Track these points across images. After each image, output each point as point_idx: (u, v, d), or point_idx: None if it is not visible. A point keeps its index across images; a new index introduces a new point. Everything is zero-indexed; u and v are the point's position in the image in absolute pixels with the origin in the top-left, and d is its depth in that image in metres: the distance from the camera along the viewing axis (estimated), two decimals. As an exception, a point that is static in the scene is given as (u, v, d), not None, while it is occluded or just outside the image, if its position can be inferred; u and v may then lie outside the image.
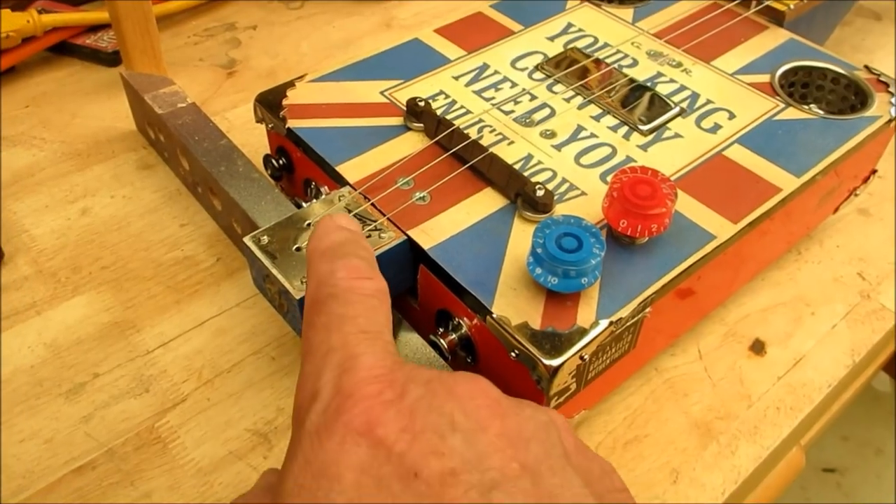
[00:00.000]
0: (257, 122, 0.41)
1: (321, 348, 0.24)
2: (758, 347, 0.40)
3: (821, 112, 0.42)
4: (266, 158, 0.41)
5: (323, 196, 0.38)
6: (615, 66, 0.42)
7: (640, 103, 0.40)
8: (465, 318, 0.32)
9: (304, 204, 0.38)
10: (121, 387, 0.36)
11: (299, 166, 0.40)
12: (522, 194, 0.34)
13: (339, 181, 0.36)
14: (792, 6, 0.45)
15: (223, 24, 0.60)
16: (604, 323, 0.30)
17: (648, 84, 0.41)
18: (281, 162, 0.40)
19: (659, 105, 0.40)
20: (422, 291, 0.34)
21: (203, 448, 0.34)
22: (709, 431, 0.36)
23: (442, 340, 0.32)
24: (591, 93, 0.40)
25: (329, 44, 0.59)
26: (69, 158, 0.48)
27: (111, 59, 0.54)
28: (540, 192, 0.33)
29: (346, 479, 0.20)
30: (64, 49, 0.55)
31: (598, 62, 0.42)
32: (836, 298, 0.42)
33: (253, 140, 0.49)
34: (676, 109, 0.39)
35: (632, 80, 0.41)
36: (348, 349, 0.23)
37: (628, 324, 0.31)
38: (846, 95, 0.42)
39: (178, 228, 0.44)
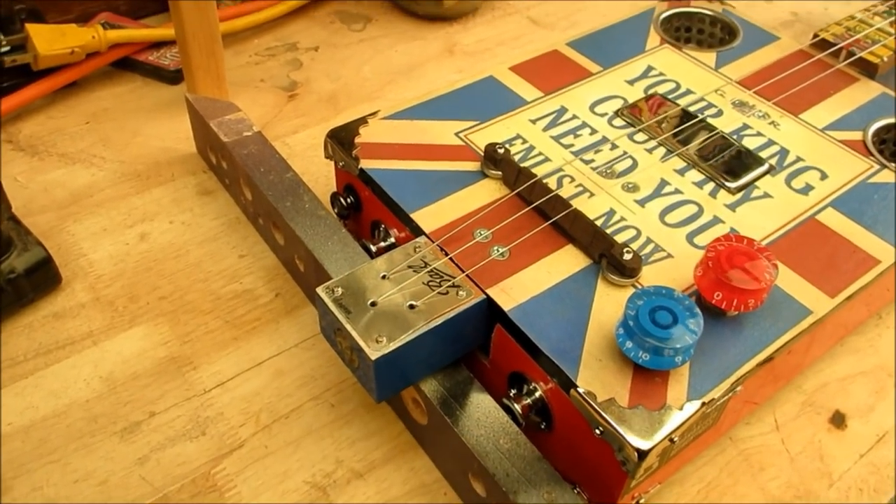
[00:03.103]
0: (327, 157, 0.40)
1: None
2: (838, 420, 0.38)
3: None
4: (334, 196, 0.40)
5: (392, 241, 0.36)
6: (700, 115, 0.40)
7: (726, 158, 0.38)
8: (541, 384, 0.31)
9: (371, 246, 0.37)
10: (177, 428, 0.35)
11: (368, 207, 0.38)
12: (608, 256, 0.32)
13: (413, 228, 0.35)
14: (885, 58, 0.43)
15: (285, 43, 0.59)
16: (696, 404, 0.28)
17: (735, 137, 0.39)
18: (349, 201, 0.39)
19: (747, 161, 0.38)
20: (495, 351, 0.33)
21: (260, 500, 0.33)
22: (788, 512, 0.34)
23: (516, 405, 0.31)
24: (674, 144, 0.39)
25: (391, 68, 0.58)
26: (128, 179, 0.47)
27: (173, 76, 0.53)
28: (628, 256, 0.32)
29: None
30: (126, 65, 0.54)
31: (682, 112, 0.41)
32: (922, 370, 0.40)
33: (314, 168, 0.48)
34: (766, 166, 0.38)
35: (718, 133, 0.39)
36: None
37: (719, 403, 0.29)
38: (942, 158, 0.40)
39: (237, 259, 0.43)
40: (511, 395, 0.32)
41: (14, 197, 0.45)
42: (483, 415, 0.31)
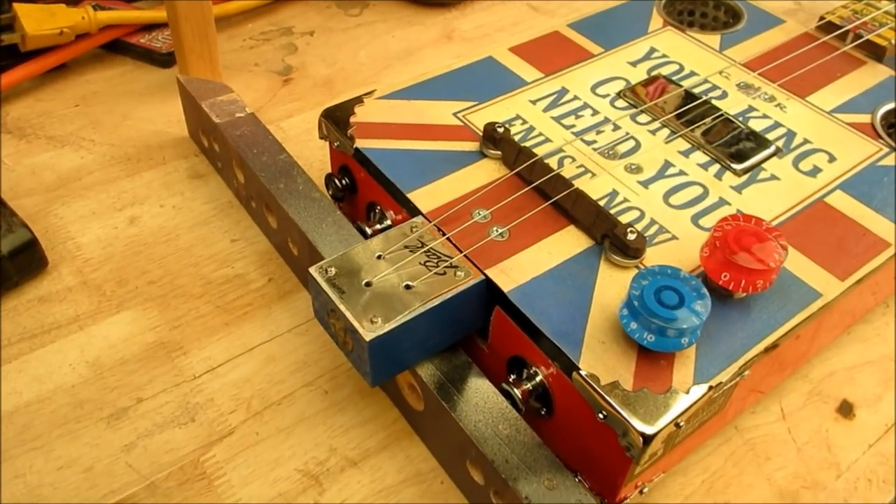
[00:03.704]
0: (321, 138, 0.39)
1: None
2: (845, 410, 0.37)
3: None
4: (328, 178, 0.38)
5: (388, 223, 0.35)
6: (704, 97, 0.39)
7: (732, 139, 0.37)
8: (542, 368, 0.30)
9: (367, 229, 0.36)
10: (165, 414, 0.34)
11: (364, 188, 0.37)
12: (611, 236, 0.31)
13: (410, 209, 0.34)
14: (893, 41, 0.42)
15: (280, 28, 0.58)
16: (702, 388, 0.27)
17: (741, 119, 0.38)
18: (344, 182, 0.38)
19: (754, 142, 0.37)
20: (494, 335, 0.32)
21: (250, 488, 0.32)
22: (795, 502, 0.33)
23: (516, 390, 0.30)
24: (679, 125, 0.38)
25: (388, 54, 0.57)
26: (118, 163, 0.46)
27: (165, 59, 0.52)
28: (632, 236, 0.31)
29: None
30: (117, 47, 0.53)
31: (686, 93, 0.40)
32: (931, 359, 0.39)
33: (308, 153, 0.47)
34: (772, 148, 0.37)
35: (723, 115, 0.38)
36: None
37: (726, 388, 0.28)
38: (952, 141, 0.39)
39: (229, 244, 0.42)
40: (511, 380, 0.31)
41: (2, 180, 0.44)
42: (481, 400, 0.30)
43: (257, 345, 0.37)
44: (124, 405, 0.35)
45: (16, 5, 0.48)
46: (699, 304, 0.27)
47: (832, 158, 0.36)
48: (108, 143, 0.47)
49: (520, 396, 0.30)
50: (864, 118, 0.39)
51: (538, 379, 0.30)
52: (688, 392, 0.27)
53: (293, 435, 0.34)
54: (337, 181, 0.38)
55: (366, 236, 0.36)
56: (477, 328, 0.32)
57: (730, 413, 0.34)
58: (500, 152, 0.35)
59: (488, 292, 0.31)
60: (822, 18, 0.44)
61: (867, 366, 0.39)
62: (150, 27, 0.53)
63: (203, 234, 0.42)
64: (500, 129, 0.35)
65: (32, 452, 0.33)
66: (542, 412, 0.30)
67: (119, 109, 0.50)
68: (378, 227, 0.36)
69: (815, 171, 0.36)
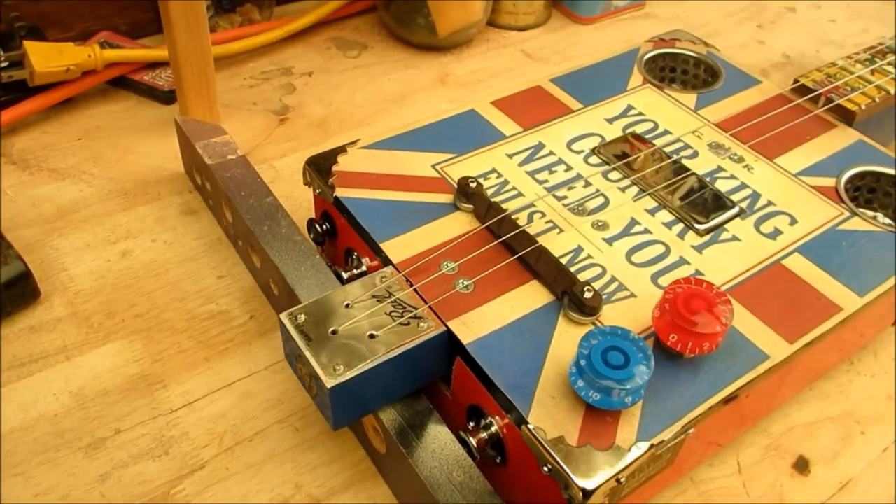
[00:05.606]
0: (305, 184, 0.41)
1: None
2: (801, 465, 0.38)
3: (889, 221, 0.40)
4: (310, 222, 0.40)
5: (364, 269, 0.37)
6: (675, 156, 0.41)
7: (698, 199, 0.38)
8: (497, 418, 0.31)
9: (343, 274, 0.37)
10: (141, 446, 0.36)
11: (343, 234, 0.39)
12: (570, 293, 0.33)
13: (383, 258, 0.35)
14: (863, 106, 0.43)
15: (280, 67, 0.60)
16: (644, 445, 0.28)
17: (708, 179, 0.40)
18: (325, 227, 0.40)
19: (718, 203, 0.38)
20: (455, 383, 0.33)
21: (218, 522, 0.34)
22: (744, 556, 0.34)
23: (472, 438, 0.31)
24: (647, 184, 0.39)
25: (384, 96, 0.58)
26: (116, 196, 0.48)
27: (167, 97, 0.54)
28: (588, 294, 0.32)
29: None
30: (121, 83, 0.55)
31: (657, 152, 0.41)
32: (889, 418, 0.40)
33: (298, 192, 0.49)
34: (736, 209, 0.38)
35: (691, 174, 0.40)
36: None
37: (670, 445, 0.29)
38: (915, 206, 0.41)
39: (216, 280, 0.44)
40: (469, 427, 0.32)
41: (2, 210, 0.46)
42: (439, 446, 0.31)
43: (235, 380, 0.39)
44: (103, 435, 0.36)
45: (26, 43, 0.50)
46: (644, 366, 0.28)
47: (794, 221, 0.38)
48: (108, 176, 0.49)
49: (475, 445, 0.31)
50: (829, 181, 0.40)
51: (493, 429, 0.31)
52: (629, 449, 0.28)
53: (262, 471, 0.35)
54: (318, 226, 0.40)
55: (342, 281, 0.37)
56: (441, 376, 0.34)
57: (686, 465, 0.35)
58: (472, 206, 0.37)
59: (450, 343, 0.32)
60: (796, 81, 0.46)
61: (827, 422, 0.40)
62: (153, 65, 0.56)
63: (191, 270, 0.44)
64: (473, 184, 0.37)
65: (13, 479, 0.34)
66: (498, 461, 0.32)
67: (120, 144, 0.52)
68: (354, 272, 0.38)
69: (775, 234, 0.37)
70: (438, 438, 0.32)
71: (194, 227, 0.47)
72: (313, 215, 0.42)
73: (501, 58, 0.64)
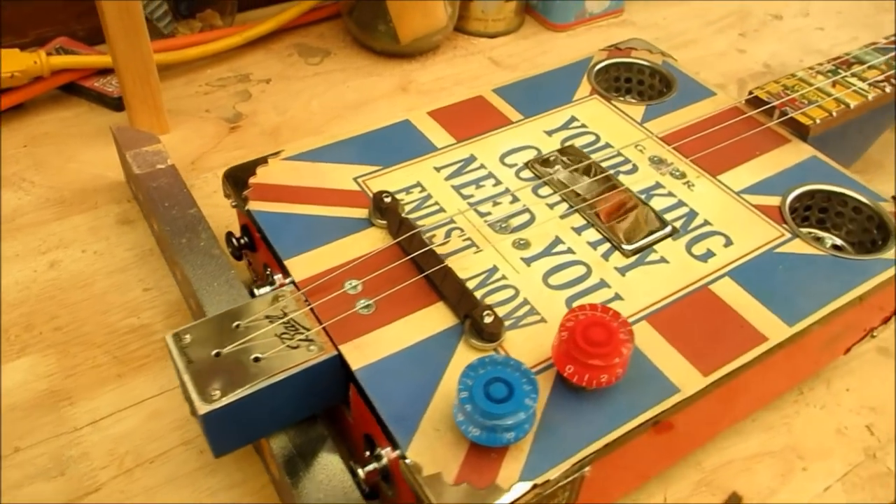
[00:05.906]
0: (225, 196, 0.39)
1: None
2: (733, 503, 0.35)
3: (838, 240, 0.38)
4: (228, 236, 0.39)
5: (268, 290, 0.35)
6: (611, 171, 0.39)
7: (628, 218, 0.36)
8: (388, 449, 0.29)
9: (255, 290, 0.36)
10: (38, 466, 0.35)
11: (260, 249, 0.37)
12: (471, 318, 0.31)
13: (288, 275, 0.34)
14: (818, 120, 0.41)
15: (238, 74, 0.59)
16: (525, 486, 0.26)
17: (644, 196, 0.38)
18: (243, 241, 0.38)
19: (649, 222, 0.36)
20: (353, 410, 0.31)
21: (106, 548, 0.32)
22: None
23: (360, 470, 0.29)
24: (578, 200, 0.37)
25: (341, 104, 0.57)
26: (52, 205, 0.47)
27: (116, 103, 0.54)
28: (488, 319, 0.30)
29: None
30: (73, 89, 0.55)
31: (592, 166, 0.39)
32: (836, 454, 0.37)
33: (239, 203, 0.48)
34: (668, 229, 0.36)
35: (625, 191, 0.38)
36: None
37: (560, 484, 0.27)
38: (868, 227, 0.38)
39: (142, 293, 0.42)
40: (365, 456, 0.30)
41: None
42: (327, 477, 0.30)
43: (146, 398, 0.38)
44: (3, 453, 0.35)
45: (-30, 49, 0.49)
46: (529, 399, 0.26)
47: (729, 242, 0.36)
48: (48, 185, 0.49)
49: (362, 477, 0.29)
50: (774, 200, 0.38)
51: (384, 461, 0.29)
52: (509, 489, 0.26)
53: (158, 495, 0.34)
54: (235, 240, 0.38)
55: (253, 297, 0.36)
56: (340, 400, 0.32)
57: (611, 497, 0.33)
58: (386, 222, 0.35)
59: (343, 368, 0.30)
60: (750, 93, 0.43)
61: (766, 456, 0.37)
62: (104, 71, 0.55)
63: (119, 282, 0.43)
64: (388, 199, 0.35)
65: None
66: (390, 494, 0.30)
67: (65, 151, 0.51)
68: (268, 289, 0.36)
69: (707, 256, 0.35)
70: (328, 468, 0.30)
71: (128, 238, 0.46)
72: (228, 230, 0.41)
73: (468, 65, 0.62)
